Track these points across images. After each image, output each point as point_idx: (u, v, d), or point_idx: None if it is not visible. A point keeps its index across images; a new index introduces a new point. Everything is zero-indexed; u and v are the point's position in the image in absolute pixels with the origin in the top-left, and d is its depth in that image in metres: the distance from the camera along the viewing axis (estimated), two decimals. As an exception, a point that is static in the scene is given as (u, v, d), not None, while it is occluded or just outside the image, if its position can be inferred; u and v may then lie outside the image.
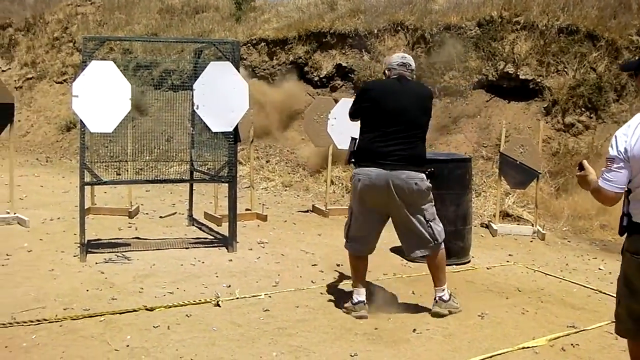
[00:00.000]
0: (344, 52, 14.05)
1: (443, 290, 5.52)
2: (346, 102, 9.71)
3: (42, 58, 19.57)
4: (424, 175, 5.34)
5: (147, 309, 5.38)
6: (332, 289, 6.18)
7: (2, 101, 8.43)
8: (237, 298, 5.73)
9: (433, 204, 5.49)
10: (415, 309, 5.64)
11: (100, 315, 5.22)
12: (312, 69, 14.22)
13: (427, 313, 5.51)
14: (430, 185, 5.41)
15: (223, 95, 7.10)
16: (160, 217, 9.20)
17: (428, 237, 5.39)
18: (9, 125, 8.59)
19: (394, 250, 7.43)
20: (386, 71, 5.57)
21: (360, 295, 5.47)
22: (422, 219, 5.37)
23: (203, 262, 6.92)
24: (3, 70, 20.12)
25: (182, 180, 8.92)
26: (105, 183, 7.45)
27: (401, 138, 5.28)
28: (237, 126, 7.36)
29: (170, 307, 5.46)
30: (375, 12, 14.22)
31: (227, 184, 7.58)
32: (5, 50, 20.76)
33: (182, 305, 5.48)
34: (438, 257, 5.50)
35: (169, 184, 9.98)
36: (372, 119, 5.38)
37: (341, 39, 14.06)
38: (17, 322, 5.04)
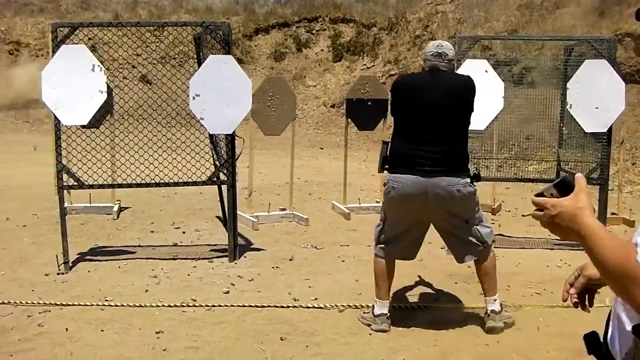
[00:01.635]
0: None
1: (495, 300, 4.91)
2: None
3: (404, 55, 20.53)
4: (467, 180, 4.70)
5: (515, 307, 5.41)
6: None
7: (378, 97, 9.01)
8: (608, 306, 5.50)
9: (479, 207, 4.91)
10: None
11: (470, 309, 5.37)
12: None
13: None
14: (476, 189, 4.79)
15: (598, 95, 6.86)
16: (523, 215, 9.14)
17: (475, 241, 4.83)
18: (382, 119, 9.15)
19: None
20: (422, 63, 4.99)
21: (383, 307, 4.94)
22: (466, 225, 4.79)
23: (569, 265, 6.70)
24: (368, 67, 21.49)
25: (550, 180, 8.80)
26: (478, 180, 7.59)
27: (436, 139, 4.66)
28: (610, 127, 7.09)
29: (539, 307, 5.44)
30: None
31: (597, 186, 7.32)
32: (370, 48, 22.16)
33: (551, 307, 5.41)
34: (487, 262, 4.89)
35: (529, 183, 9.86)
36: (402, 120, 4.84)
37: None
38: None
